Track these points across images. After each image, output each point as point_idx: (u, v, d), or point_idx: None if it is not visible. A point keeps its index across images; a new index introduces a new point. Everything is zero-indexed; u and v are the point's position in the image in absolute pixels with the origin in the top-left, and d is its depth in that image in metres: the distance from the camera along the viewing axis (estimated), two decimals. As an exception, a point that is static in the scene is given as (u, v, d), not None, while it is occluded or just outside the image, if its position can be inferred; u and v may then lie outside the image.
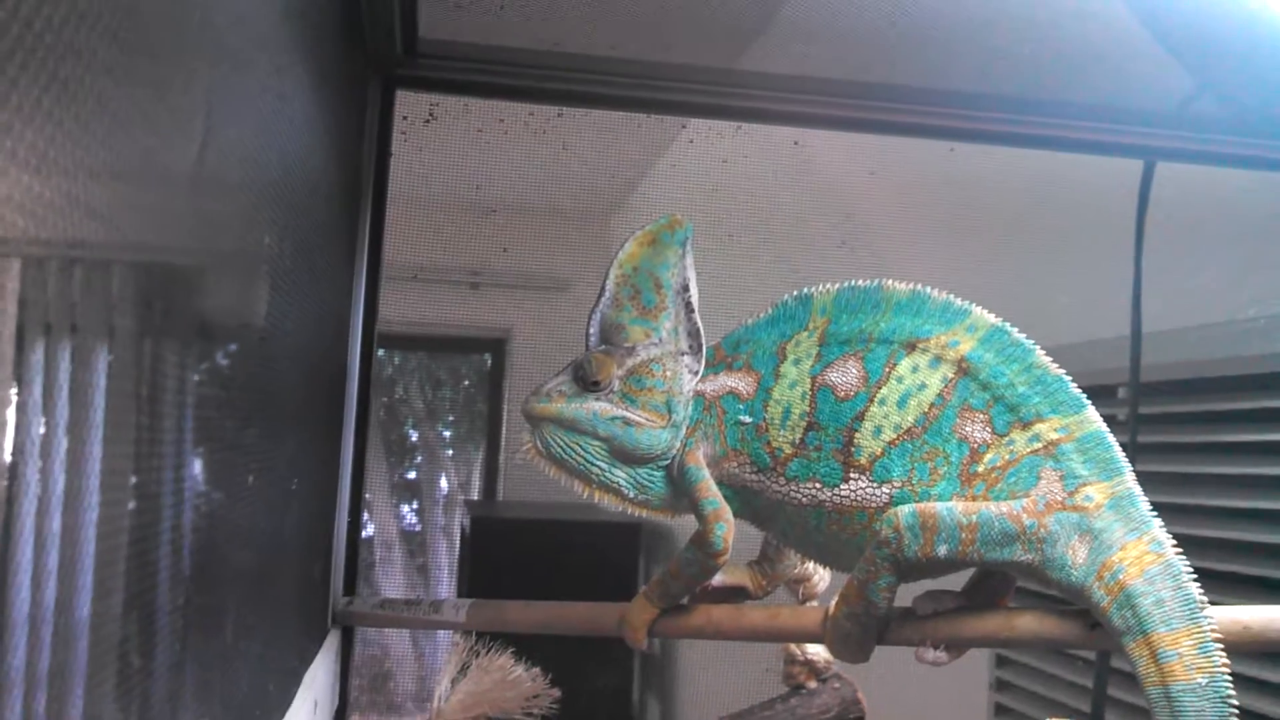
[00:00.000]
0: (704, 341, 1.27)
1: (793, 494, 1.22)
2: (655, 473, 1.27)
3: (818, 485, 1.20)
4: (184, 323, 0.72)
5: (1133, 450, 1.93)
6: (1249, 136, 1.72)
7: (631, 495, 1.28)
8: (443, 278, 4.14)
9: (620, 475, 1.26)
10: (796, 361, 1.24)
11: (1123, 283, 1.85)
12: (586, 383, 1.25)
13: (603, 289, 1.28)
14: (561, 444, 1.25)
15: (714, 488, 1.23)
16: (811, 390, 1.22)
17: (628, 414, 1.24)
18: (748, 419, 1.24)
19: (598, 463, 1.26)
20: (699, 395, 1.26)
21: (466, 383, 5.30)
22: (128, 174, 0.56)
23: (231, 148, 0.80)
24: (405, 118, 1.64)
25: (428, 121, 1.72)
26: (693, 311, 1.27)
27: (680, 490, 1.26)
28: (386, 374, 5.15)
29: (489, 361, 4.86)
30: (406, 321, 4.26)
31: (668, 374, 1.25)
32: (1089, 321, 2.11)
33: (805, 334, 1.25)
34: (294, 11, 1.02)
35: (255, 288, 0.95)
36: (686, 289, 1.27)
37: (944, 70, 1.65)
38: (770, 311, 1.27)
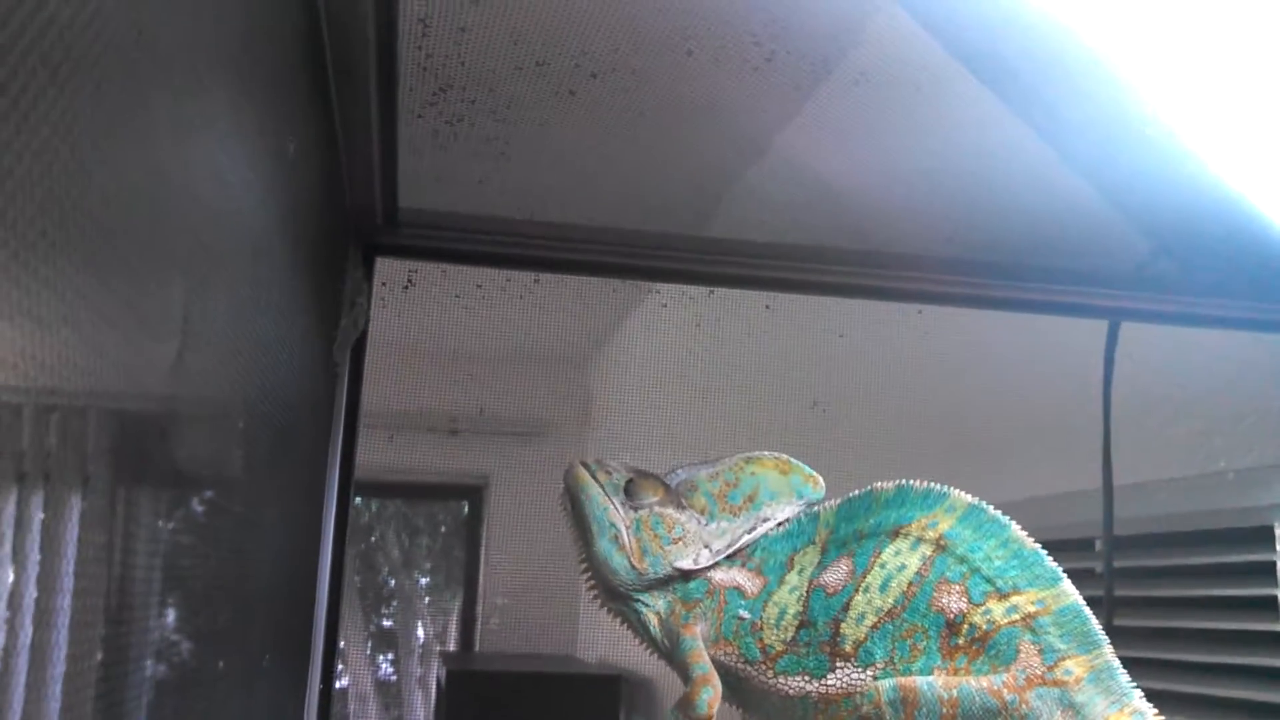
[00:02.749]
0: (725, 559, 1.32)
1: (780, 685, 1.24)
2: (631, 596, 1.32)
3: (806, 678, 1.23)
4: (159, 481, 0.73)
5: (1109, 605, 1.93)
6: (1206, 296, 1.77)
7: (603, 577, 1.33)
8: (421, 424, 4.15)
9: (593, 561, 1.33)
10: (800, 570, 1.29)
11: (1094, 437, 1.87)
12: (629, 487, 1.33)
13: (721, 461, 1.36)
14: (573, 506, 1.35)
15: (706, 656, 1.26)
16: (806, 592, 1.26)
17: (623, 533, 1.31)
18: (746, 614, 1.28)
19: (582, 544, 1.34)
20: (705, 579, 1.30)
21: (444, 530, 5.25)
22: (105, 354, 0.58)
23: (209, 318, 0.82)
24: (384, 284, 1.67)
25: (406, 288, 1.76)
26: (748, 536, 1.32)
27: (672, 656, 1.30)
28: (363, 521, 5.11)
29: (466, 509, 4.83)
30: (384, 469, 4.24)
31: (677, 543, 1.31)
32: (1064, 474, 2.13)
33: (812, 546, 1.30)
34: (278, 186, 1.05)
35: (230, 447, 0.96)
36: (765, 520, 1.33)
37: (910, 236, 1.70)
38: (787, 526, 1.33)
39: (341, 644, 5.11)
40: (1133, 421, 1.92)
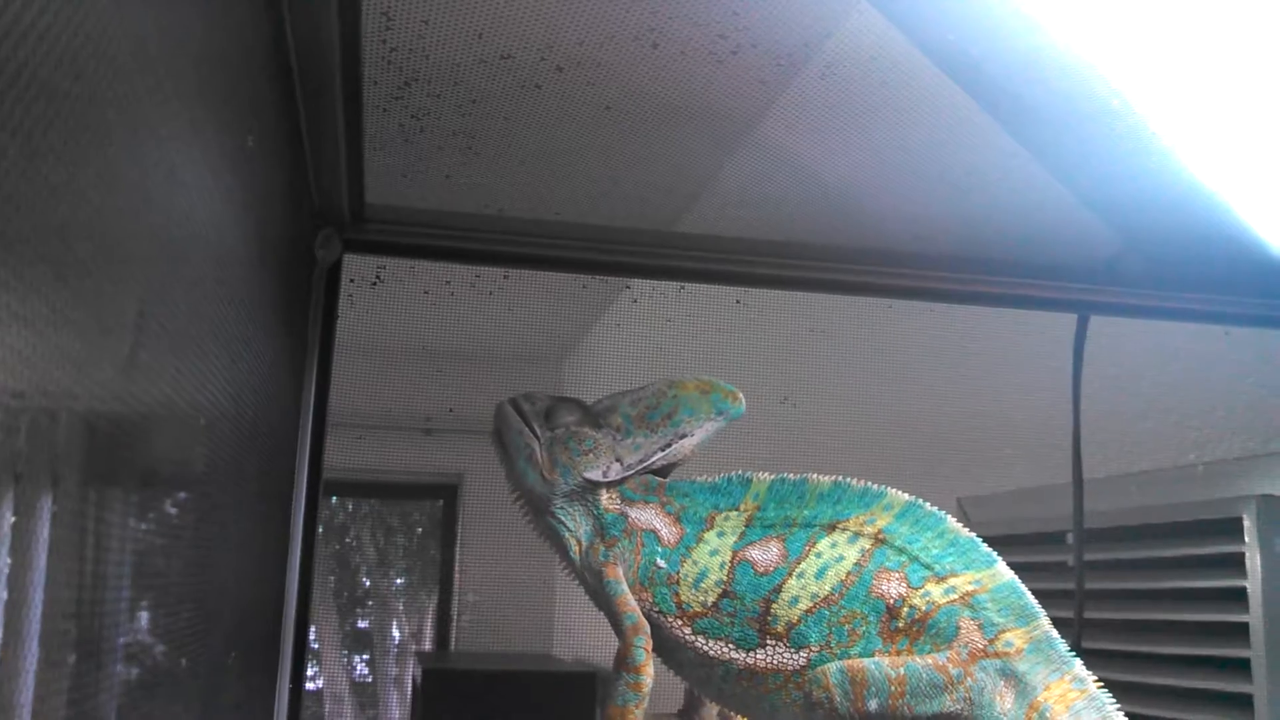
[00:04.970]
0: (639, 476, 1.36)
1: (698, 644, 1.28)
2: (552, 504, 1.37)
3: (730, 646, 1.26)
4: (127, 482, 0.73)
5: (1080, 597, 1.94)
6: (1174, 290, 1.78)
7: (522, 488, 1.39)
8: (395, 423, 4.13)
9: (514, 481, 1.40)
10: (721, 534, 1.31)
11: (1064, 431, 1.88)
12: (549, 412, 1.38)
13: (645, 387, 1.41)
14: (499, 439, 1.41)
15: (633, 602, 1.30)
16: (731, 562, 1.29)
17: (537, 451, 1.36)
18: (663, 564, 1.31)
19: (507, 470, 1.40)
20: (623, 515, 1.33)
21: (419, 529, 5.23)
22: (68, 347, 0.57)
23: (167, 316, 0.81)
24: (352, 280, 1.66)
25: (374, 284, 1.75)
26: (662, 453, 1.36)
27: (597, 597, 1.34)
28: (338, 521, 5.08)
29: (441, 507, 4.81)
30: (358, 468, 4.22)
31: (587, 455, 1.35)
32: (1034, 468, 2.14)
33: (735, 512, 1.33)
34: (239, 184, 1.04)
35: (192, 444, 0.95)
36: (682, 438, 1.36)
37: (880, 231, 1.70)
38: (715, 480, 1.35)
39: (316, 645, 5.09)
40: (1102, 415, 1.93)
